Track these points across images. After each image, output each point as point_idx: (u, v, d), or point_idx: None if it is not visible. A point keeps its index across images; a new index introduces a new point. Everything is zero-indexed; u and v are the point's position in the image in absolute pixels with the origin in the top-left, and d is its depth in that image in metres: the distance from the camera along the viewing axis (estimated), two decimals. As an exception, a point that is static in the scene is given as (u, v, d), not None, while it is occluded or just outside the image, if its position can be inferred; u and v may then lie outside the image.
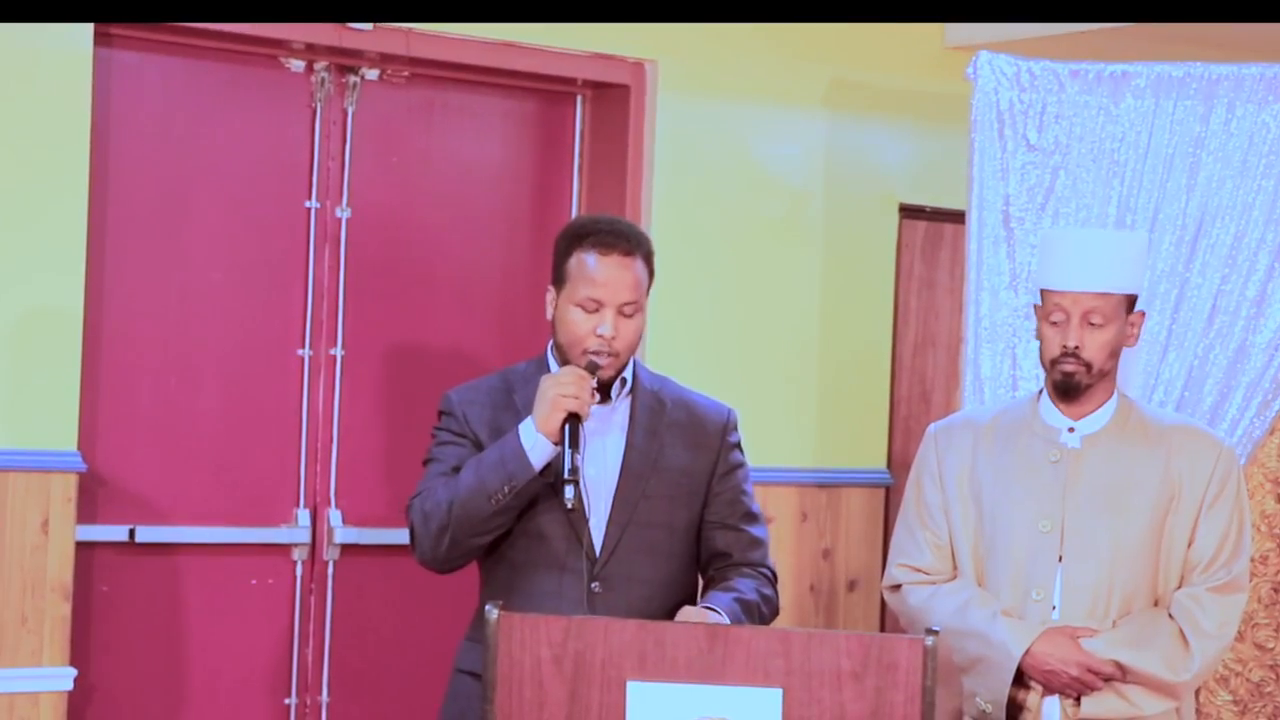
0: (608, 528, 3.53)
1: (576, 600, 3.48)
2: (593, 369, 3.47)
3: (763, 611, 3.56)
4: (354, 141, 5.02)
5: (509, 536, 3.54)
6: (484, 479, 3.44)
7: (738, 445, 3.67)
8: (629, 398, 3.60)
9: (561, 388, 3.40)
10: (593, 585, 3.50)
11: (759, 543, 3.64)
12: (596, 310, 3.50)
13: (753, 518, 3.65)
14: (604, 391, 3.54)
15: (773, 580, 3.63)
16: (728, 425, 3.66)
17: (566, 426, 3.39)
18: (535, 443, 3.41)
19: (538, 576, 3.52)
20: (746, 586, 3.55)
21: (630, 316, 3.52)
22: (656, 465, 3.54)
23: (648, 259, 3.60)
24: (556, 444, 3.40)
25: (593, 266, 3.52)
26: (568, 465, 3.37)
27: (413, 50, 4.93)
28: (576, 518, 3.51)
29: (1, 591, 4.41)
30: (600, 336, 3.50)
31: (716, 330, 5.35)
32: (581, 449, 3.40)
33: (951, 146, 5.35)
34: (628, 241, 3.56)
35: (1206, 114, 4.82)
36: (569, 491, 3.36)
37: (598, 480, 3.55)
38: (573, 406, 3.39)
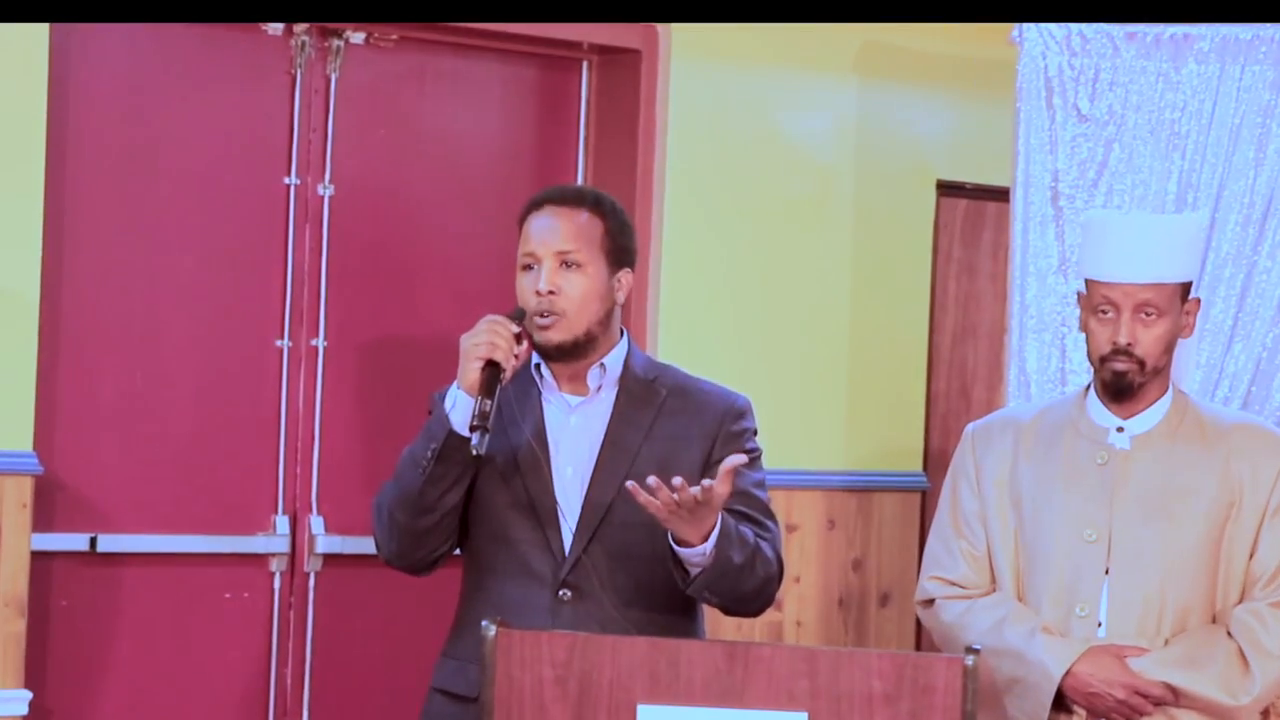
0: (577, 530, 3.57)
1: (542, 609, 3.53)
2: (519, 316, 3.53)
3: (760, 556, 3.50)
4: (337, 112, 5.03)
5: (477, 538, 3.61)
6: (414, 450, 3.54)
7: (744, 434, 3.66)
8: (615, 388, 3.64)
9: (474, 337, 3.47)
10: (560, 592, 3.55)
11: (765, 528, 3.58)
12: (535, 268, 3.58)
13: (757, 502, 3.61)
14: (560, 355, 3.59)
15: (778, 560, 3.58)
16: (729, 413, 3.66)
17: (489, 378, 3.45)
18: (456, 401, 3.48)
19: (505, 584, 3.58)
20: (747, 531, 3.52)
21: (573, 269, 3.57)
22: (637, 460, 3.55)
23: (599, 212, 3.63)
24: (477, 397, 3.44)
25: (526, 225, 3.63)
26: (475, 410, 3.41)
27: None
28: (547, 520, 3.56)
29: (-50, 606, 4.45)
30: (538, 293, 3.55)
31: (735, 319, 5.38)
32: (498, 399, 3.43)
33: (995, 117, 5.38)
34: (563, 195, 3.66)
35: (1277, 80, 4.84)
36: (475, 439, 3.40)
37: (573, 479, 3.60)
38: (484, 353, 3.44)
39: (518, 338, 3.50)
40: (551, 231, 3.59)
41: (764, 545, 3.55)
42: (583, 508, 3.58)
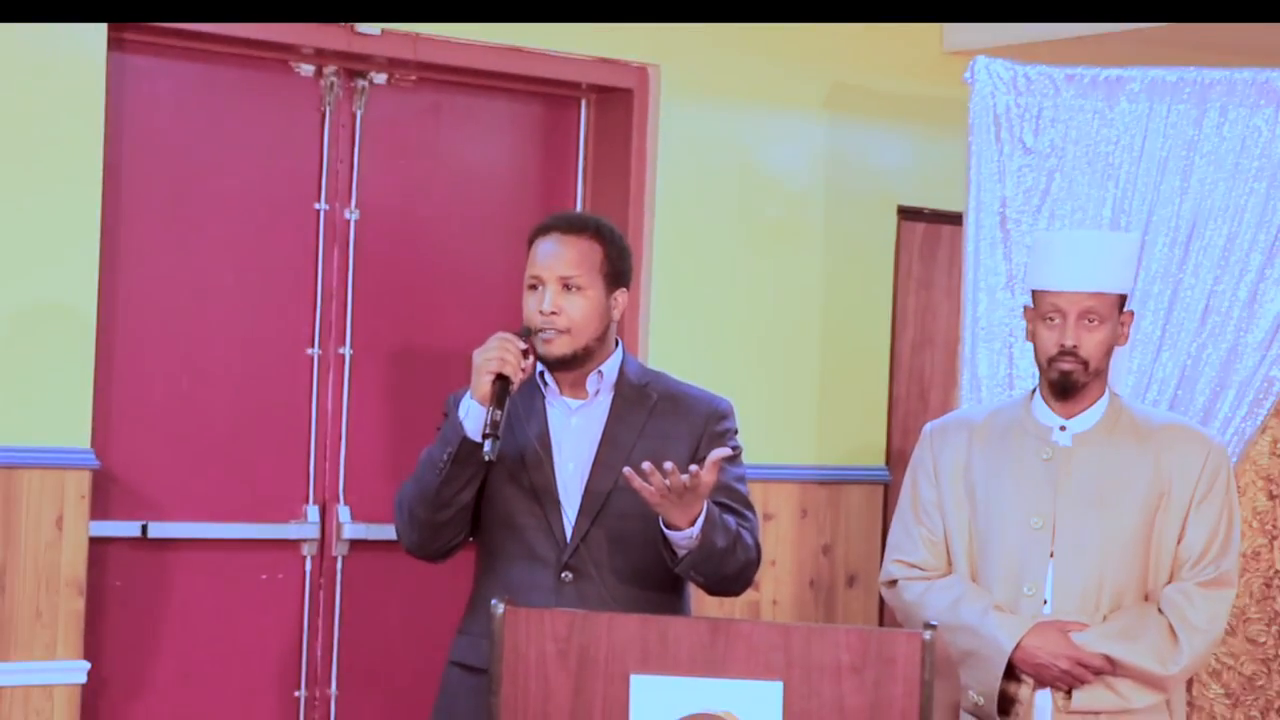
0: (578, 518, 3.56)
1: (547, 589, 3.52)
2: (526, 333, 3.52)
3: (740, 542, 3.50)
4: (362, 144, 5.02)
5: (489, 527, 3.59)
6: (431, 453, 3.52)
7: (727, 434, 3.65)
8: (611, 392, 3.63)
9: (485, 352, 3.45)
10: (563, 574, 3.54)
11: (745, 517, 3.59)
12: (539, 289, 3.56)
13: (738, 494, 3.62)
14: (561, 366, 3.58)
15: (756, 546, 3.58)
16: (714, 415, 3.65)
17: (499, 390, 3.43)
18: (469, 410, 3.46)
19: (513, 566, 3.57)
20: (730, 519, 3.53)
21: (574, 291, 3.55)
22: (631, 456, 3.52)
23: (599, 238, 3.60)
24: (487, 407, 3.43)
25: (533, 250, 3.60)
26: (487, 420, 3.39)
27: (420, 55, 4.93)
28: (550, 507, 3.55)
29: (16, 586, 4.41)
30: (541, 313, 3.54)
31: (718, 330, 5.34)
32: (507, 408, 3.42)
33: (949, 150, 5.34)
34: (568, 222, 3.62)
35: (1199, 118, 4.81)
36: (487, 446, 3.38)
37: (574, 473, 3.58)
38: (495, 368, 3.42)
39: (524, 353, 3.49)
40: (556, 257, 3.56)
41: (744, 533, 3.54)
42: (583, 498, 3.57)
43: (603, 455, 3.58)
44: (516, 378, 3.46)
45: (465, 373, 3.50)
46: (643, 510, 3.46)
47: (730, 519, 3.52)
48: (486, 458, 3.39)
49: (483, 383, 3.43)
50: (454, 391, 3.62)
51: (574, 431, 3.61)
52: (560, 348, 3.56)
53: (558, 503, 3.57)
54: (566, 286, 3.55)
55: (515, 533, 3.58)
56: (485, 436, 3.39)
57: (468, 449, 3.46)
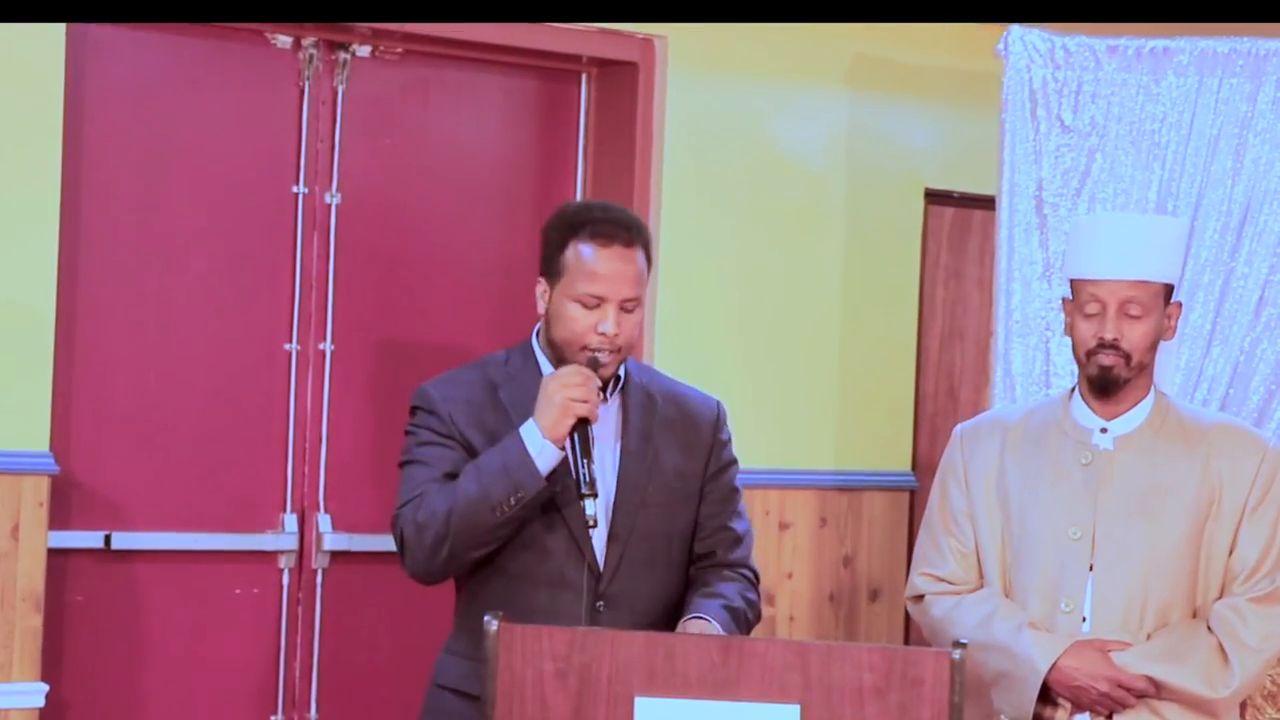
0: (609, 542, 3.53)
1: (575, 619, 3.48)
2: (594, 365, 3.47)
3: (748, 618, 3.58)
4: (344, 122, 5.03)
5: (503, 547, 3.52)
6: (487, 489, 3.41)
7: (729, 441, 3.69)
8: (619, 395, 3.61)
9: (569, 390, 3.40)
10: (597, 604, 3.51)
11: (741, 540, 3.66)
12: (597, 306, 3.50)
13: (738, 514, 3.69)
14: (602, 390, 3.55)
15: (755, 582, 3.65)
16: (718, 420, 3.68)
17: (575, 432, 3.40)
18: (542, 449, 3.41)
19: (535, 592, 3.52)
20: (731, 592, 3.55)
21: (631, 312, 3.52)
22: (653, 471, 3.55)
23: (647, 248, 3.57)
24: (563, 450, 3.41)
25: (592, 259, 3.51)
26: (585, 477, 3.37)
27: (406, 24, 4.93)
28: (579, 531, 3.50)
29: (-31, 602, 4.43)
30: (603, 334, 3.49)
31: (730, 324, 5.35)
32: (595, 456, 3.40)
33: (981, 128, 5.37)
34: (628, 231, 3.54)
35: (1254, 92, 4.84)
36: (590, 507, 3.37)
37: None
38: (582, 411, 3.39)
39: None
40: (623, 278, 3.50)
41: (750, 596, 3.59)
42: (612, 520, 3.53)
43: (626, 471, 3.56)
44: (595, 419, 3.43)
45: (452, 366, 3.50)
46: (668, 529, 3.55)
47: (737, 600, 3.55)
48: (591, 524, 3.40)
49: (565, 424, 3.40)
50: (430, 383, 3.60)
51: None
52: (613, 369, 3.54)
53: (584, 524, 3.48)
54: (625, 309, 3.52)
55: (540, 555, 3.52)
56: (583, 496, 3.38)
57: (544, 496, 3.43)
